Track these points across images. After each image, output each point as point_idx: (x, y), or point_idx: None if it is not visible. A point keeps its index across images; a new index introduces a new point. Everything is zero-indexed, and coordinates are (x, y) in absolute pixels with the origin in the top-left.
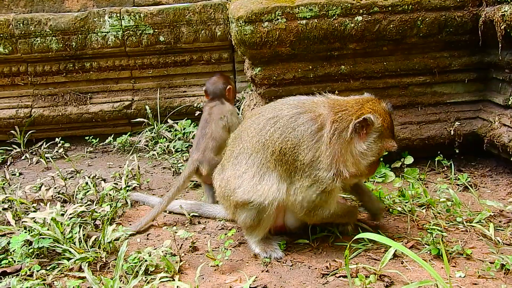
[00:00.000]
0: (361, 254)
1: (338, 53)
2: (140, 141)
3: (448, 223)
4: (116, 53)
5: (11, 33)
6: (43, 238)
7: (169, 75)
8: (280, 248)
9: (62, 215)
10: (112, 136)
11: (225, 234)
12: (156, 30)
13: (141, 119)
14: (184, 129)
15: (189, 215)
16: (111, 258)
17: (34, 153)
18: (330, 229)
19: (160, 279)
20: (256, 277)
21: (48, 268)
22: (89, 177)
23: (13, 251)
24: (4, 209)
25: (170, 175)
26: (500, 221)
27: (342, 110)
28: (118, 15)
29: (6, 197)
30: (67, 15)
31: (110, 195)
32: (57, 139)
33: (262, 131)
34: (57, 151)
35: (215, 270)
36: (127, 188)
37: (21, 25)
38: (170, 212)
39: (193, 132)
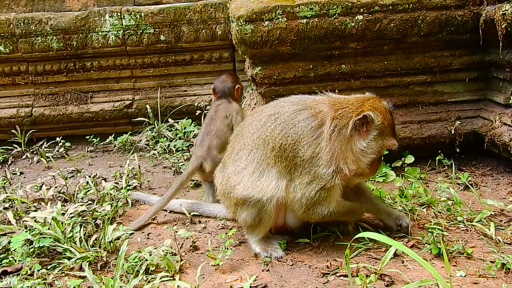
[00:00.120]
0: (362, 254)
1: (338, 52)
2: (140, 140)
3: (449, 222)
4: (117, 52)
5: (12, 32)
6: (44, 237)
7: (169, 74)
8: (280, 248)
9: (63, 214)
10: (113, 135)
11: (226, 233)
12: (157, 29)
13: (142, 119)
14: (184, 128)
15: (189, 214)
16: (112, 258)
17: (35, 152)
18: (330, 228)
19: (160, 278)
20: (256, 277)
21: (48, 267)
22: (89, 177)
23: (13, 250)
24: (5, 208)
25: (171, 174)
26: (500, 220)
27: (342, 108)
28: (119, 14)
29: (7, 196)
30: (67, 14)
31: (110, 194)
32: (57, 139)
33: (263, 127)
34: (57, 151)
35: (216, 269)
36: (128, 187)
37: (22, 24)
38: (170, 211)
39: (193, 131)
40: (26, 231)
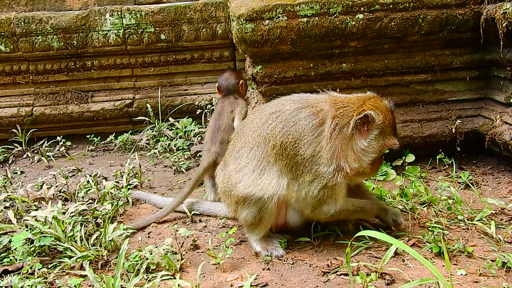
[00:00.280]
0: (362, 252)
1: (339, 51)
2: (141, 139)
3: (449, 221)
4: (117, 51)
5: (12, 31)
6: (45, 236)
7: (170, 73)
8: (281, 246)
9: (64, 213)
10: (114, 134)
11: (226, 232)
12: (157, 29)
13: (142, 118)
14: (185, 127)
15: (190, 213)
16: (113, 256)
17: (35, 151)
18: (331, 227)
19: (161, 277)
20: (257, 275)
21: (49, 266)
22: (90, 176)
23: (14, 249)
24: (5, 207)
25: (171, 174)
26: (501, 219)
27: (343, 107)
28: (119, 13)
29: (8, 195)
30: (68, 13)
31: (111, 193)
32: (58, 138)
33: (264, 125)
34: (58, 150)
35: (216, 268)
36: (129, 186)
37: (22, 23)
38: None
39: (194, 130)
40: (26, 230)
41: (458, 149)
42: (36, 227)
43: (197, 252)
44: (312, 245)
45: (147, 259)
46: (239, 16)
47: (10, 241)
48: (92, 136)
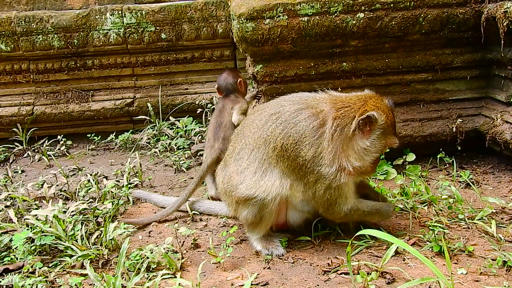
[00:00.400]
0: (363, 251)
1: (340, 50)
2: (142, 138)
3: (450, 220)
4: (118, 50)
5: (13, 30)
6: (45, 235)
7: (170, 72)
8: (281, 245)
9: (64, 212)
10: (114, 133)
11: (227, 231)
12: (158, 28)
13: (143, 117)
14: (185, 126)
15: (191, 212)
16: (113, 255)
17: (36, 150)
18: (331, 226)
19: (162, 276)
20: (257, 274)
21: (50, 265)
22: (91, 175)
23: (15, 248)
24: (6, 206)
25: (172, 173)
26: (502, 218)
27: (344, 107)
28: (120, 12)
29: (9, 194)
30: (68, 12)
31: (112, 192)
32: (59, 137)
33: (264, 127)
34: (59, 149)
35: (217, 267)
36: (129, 185)
37: (23, 22)
38: None
39: (194, 129)
40: (27, 229)
41: (459, 148)
42: (36, 226)
43: (198, 251)
44: (312, 244)
45: (147, 258)
46: (239, 15)
47: (11, 240)
48: (92, 135)
